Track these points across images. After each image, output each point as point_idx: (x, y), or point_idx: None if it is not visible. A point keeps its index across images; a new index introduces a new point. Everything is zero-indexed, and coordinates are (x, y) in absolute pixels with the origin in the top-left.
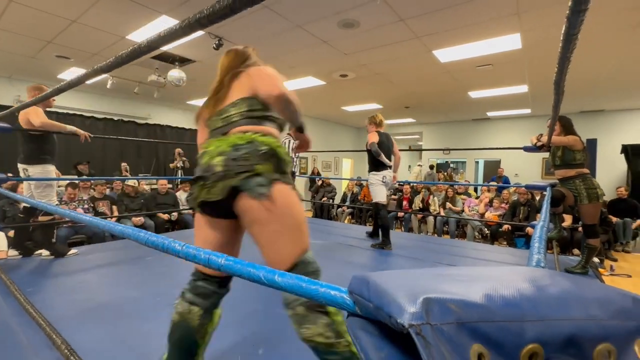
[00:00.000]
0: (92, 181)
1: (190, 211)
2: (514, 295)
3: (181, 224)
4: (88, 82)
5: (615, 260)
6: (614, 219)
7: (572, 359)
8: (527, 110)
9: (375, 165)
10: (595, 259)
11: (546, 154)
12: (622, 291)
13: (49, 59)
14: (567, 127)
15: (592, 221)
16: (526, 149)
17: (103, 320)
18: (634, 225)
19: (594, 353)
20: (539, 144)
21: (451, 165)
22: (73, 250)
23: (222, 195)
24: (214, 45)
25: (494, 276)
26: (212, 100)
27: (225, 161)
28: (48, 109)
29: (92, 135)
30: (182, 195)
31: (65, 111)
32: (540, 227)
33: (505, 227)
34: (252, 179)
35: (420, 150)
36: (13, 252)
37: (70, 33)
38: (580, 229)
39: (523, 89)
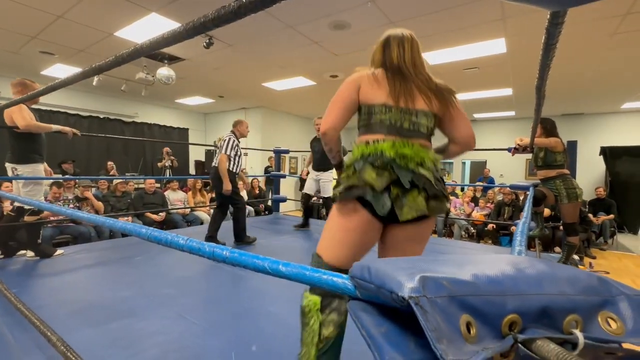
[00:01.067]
0: (76, 181)
1: (182, 211)
2: (497, 274)
3: (169, 224)
4: (63, 77)
5: (594, 257)
6: (600, 219)
7: (546, 327)
8: (512, 113)
9: (329, 164)
10: (575, 257)
11: (529, 156)
12: (589, 272)
13: (32, 54)
14: (549, 130)
15: (572, 220)
16: (511, 150)
17: (94, 320)
18: (600, 219)
19: (564, 323)
20: (522, 144)
21: None
22: (59, 251)
23: (436, 213)
24: (204, 43)
25: (481, 260)
26: (401, 89)
27: (434, 180)
28: (33, 106)
29: (80, 133)
30: (170, 195)
31: (48, 108)
32: (522, 223)
33: (491, 226)
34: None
35: None
36: None
37: (56, 28)
38: (561, 227)
39: (508, 91)
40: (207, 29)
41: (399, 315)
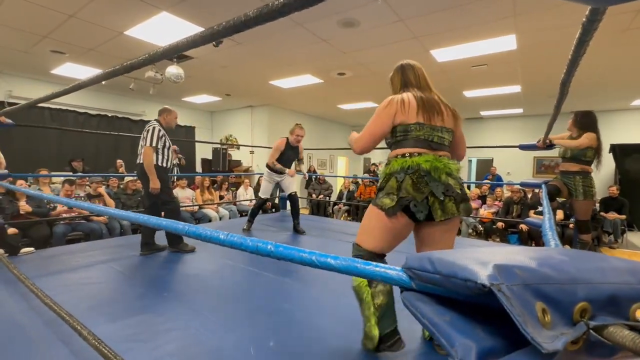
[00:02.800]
0: (88, 178)
1: (191, 208)
2: (560, 264)
3: None
4: (83, 78)
5: None
6: (611, 216)
7: (612, 315)
8: (520, 110)
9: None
10: None
11: (537, 153)
12: None
13: (43, 53)
14: (583, 124)
15: (585, 217)
16: (522, 147)
17: (112, 316)
18: (611, 216)
19: (630, 310)
20: (544, 144)
21: None
22: (26, 249)
23: (463, 214)
24: (214, 42)
25: (533, 251)
26: (426, 108)
27: (460, 187)
28: (39, 105)
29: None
30: (179, 193)
31: (58, 107)
32: (547, 219)
33: (499, 224)
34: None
35: None
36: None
37: (67, 28)
38: (571, 225)
39: (516, 89)
40: (226, 34)
41: (458, 304)
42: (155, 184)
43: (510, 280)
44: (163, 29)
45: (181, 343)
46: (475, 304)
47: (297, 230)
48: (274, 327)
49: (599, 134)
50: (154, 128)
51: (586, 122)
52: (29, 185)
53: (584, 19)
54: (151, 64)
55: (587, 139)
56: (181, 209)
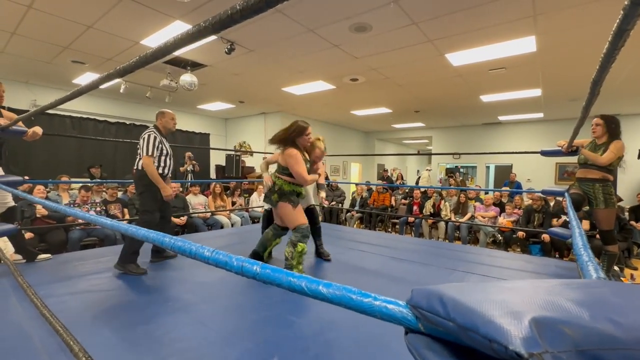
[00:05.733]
0: (105, 184)
1: (203, 214)
2: (624, 311)
3: (190, 228)
4: (102, 87)
5: (635, 268)
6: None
7: None
8: (540, 115)
9: None
10: (615, 267)
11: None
12: None
13: (64, 64)
14: (611, 130)
15: (609, 227)
16: (544, 152)
17: (116, 324)
18: None
19: None
20: (569, 149)
21: (461, 170)
22: (44, 255)
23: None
24: (226, 49)
25: (577, 288)
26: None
27: (279, 187)
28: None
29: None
30: (192, 199)
31: (79, 115)
32: (578, 235)
33: (520, 233)
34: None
35: (430, 154)
36: (17, 257)
37: (85, 38)
38: (597, 236)
39: (536, 92)
40: (215, 30)
41: (477, 357)
42: (166, 191)
43: (557, 345)
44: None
45: (183, 357)
46: None
47: (320, 254)
48: (278, 341)
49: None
50: (149, 136)
51: (614, 128)
52: (49, 192)
53: (625, 2)
54: (143, 66)
55: (615, 152)
56: (193, 215)
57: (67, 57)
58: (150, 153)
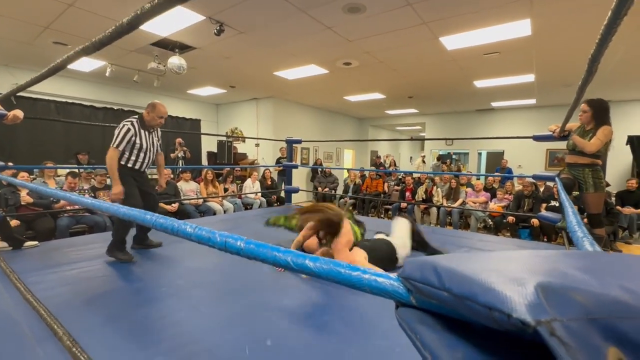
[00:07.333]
0: (93, 171)
1: (195, 201)
2: (636, 279)
3: (182, 215)
4: (87, 70)
5: (620, 251)
6: (627, 211)
7: None
8: (532, 101)
9: None
10: None
11: (550, 145)
12: None
13: (46, 45)
14: (600, 116)
15: (598, 210)
16: (536, 137)
17: (108, 311)
18: (627, 211)
19: None
20: (560, 134)
21: (453, 156)
22: (31, 243)
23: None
24: (215, 31)
25: (580, 256)
26: None
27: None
28: (45, 97)
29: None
30: (183, 186)
31: (64, 100)
32: (571, 214)
33: (510, 218)
34: None
35: (423, 139)
36: (3, 244)
37: (67, 18)
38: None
39: (529, 78)
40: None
41: (477, 333)
42: (116, 188)
43: (567, 313)
44: (166, 18)
45: (177, 341)
46: (504, 335)
47: None
48: (272, 325)
49: (611, 124)
50: (123, 127)
51: (603, 114)
52: (34, 178)
53: None
54: (120, 37)
55: (602, 138)
56: (185, 202)
57: (49, 38)
58: (116, 145)
